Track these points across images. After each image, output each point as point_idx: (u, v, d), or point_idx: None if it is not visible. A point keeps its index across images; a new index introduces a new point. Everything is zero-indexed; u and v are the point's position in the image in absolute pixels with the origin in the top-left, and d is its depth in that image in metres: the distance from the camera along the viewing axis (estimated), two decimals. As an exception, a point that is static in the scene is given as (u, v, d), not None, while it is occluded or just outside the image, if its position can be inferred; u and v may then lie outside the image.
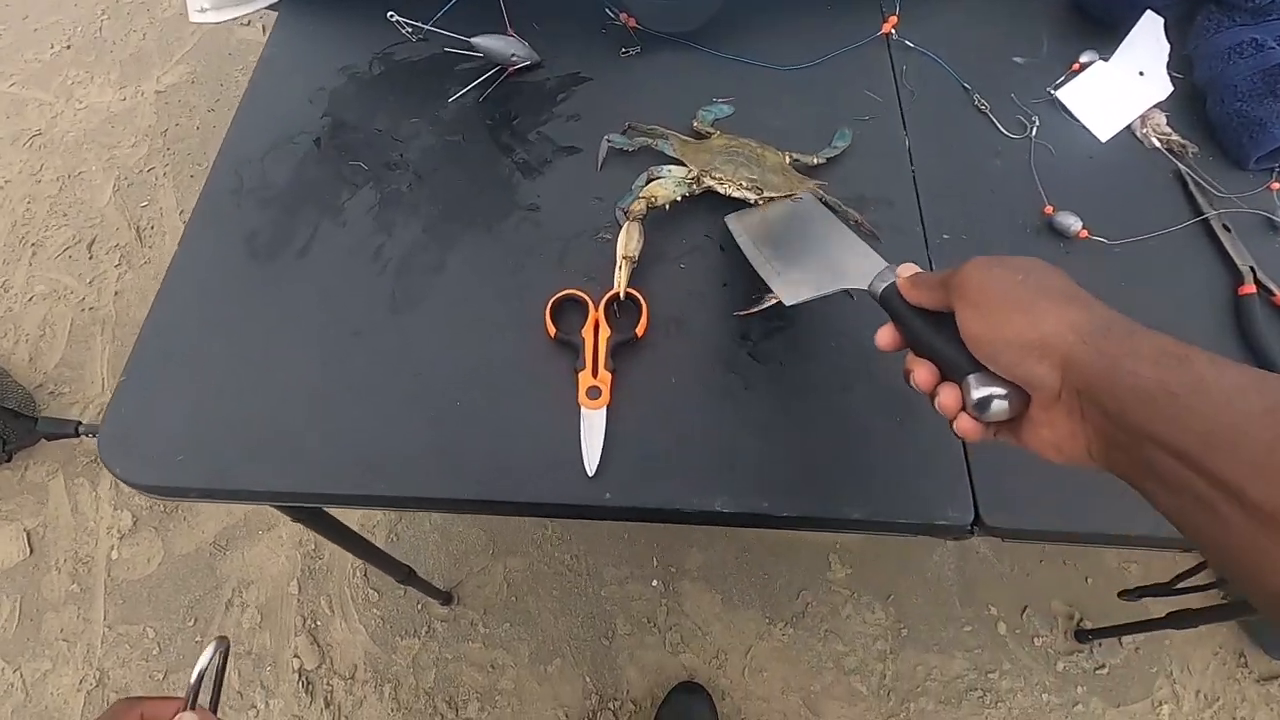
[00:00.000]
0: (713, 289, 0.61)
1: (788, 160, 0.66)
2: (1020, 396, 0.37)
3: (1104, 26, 0.75)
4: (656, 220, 0.63)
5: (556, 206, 0.65)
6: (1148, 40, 0.72)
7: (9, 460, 1.29)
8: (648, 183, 0.63)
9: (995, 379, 0.37)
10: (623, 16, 0.74)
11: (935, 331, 0.41)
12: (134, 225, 1.58)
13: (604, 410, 0.54)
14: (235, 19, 0.80)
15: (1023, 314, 0.35)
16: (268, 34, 0.76)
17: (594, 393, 0.54)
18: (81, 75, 1.79)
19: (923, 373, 0.41)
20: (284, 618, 1.22)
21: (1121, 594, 1.06)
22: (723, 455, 0.54)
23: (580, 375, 0.55)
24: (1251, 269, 0.62)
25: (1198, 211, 0.66)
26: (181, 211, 1.59)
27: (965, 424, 0.38)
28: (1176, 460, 0.29)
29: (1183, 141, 0.69)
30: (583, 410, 0.54)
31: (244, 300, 0.60)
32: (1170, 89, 0.71)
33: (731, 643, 1.22)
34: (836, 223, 0.58)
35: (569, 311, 0.59)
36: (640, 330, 0.58)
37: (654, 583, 1.26)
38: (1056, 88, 0.73)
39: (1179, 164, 0.68)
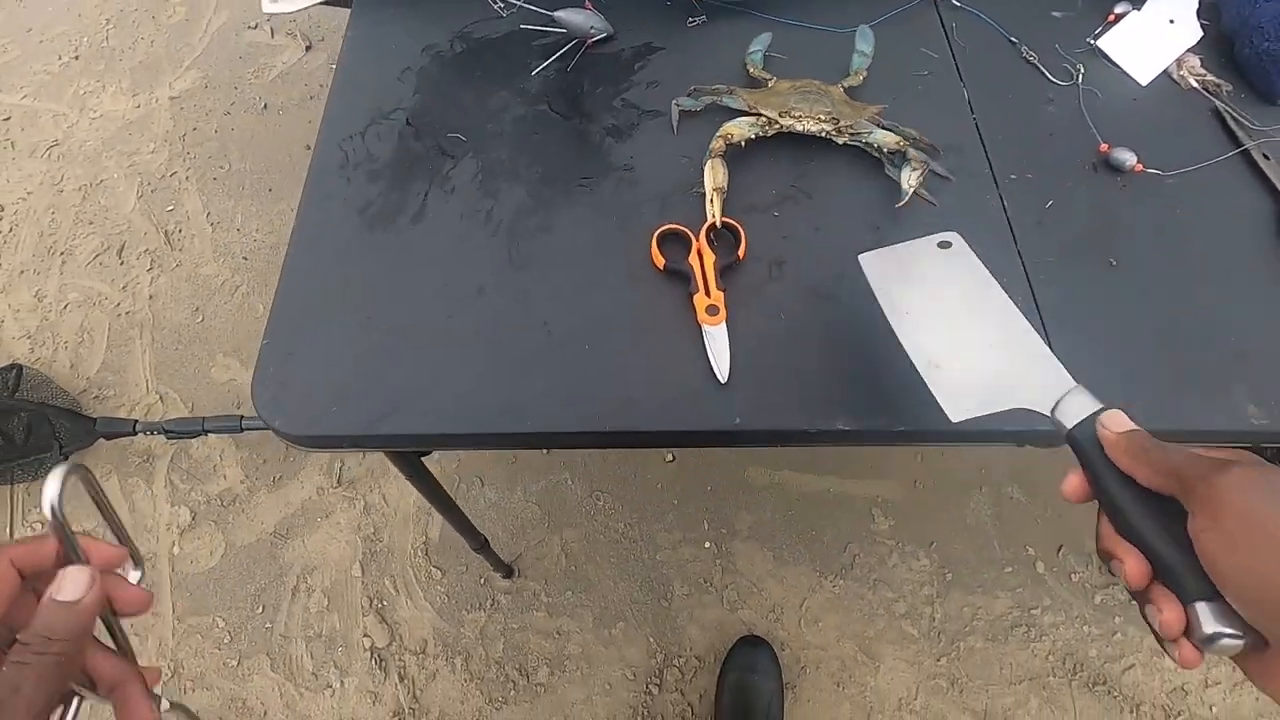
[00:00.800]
0: (806, 233, 0.65)
1: (841, 91, 0.71)
2: (1262, 640, 0.30)
3: (1135, -21, 0.80)
4: (746, 175, 0.68)
5: (649, 166, 0.69)
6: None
7: (64, 461, 1.30)
8: (710, 104, 0.69)
9: (1233, 613, 0.31)
10: (687, -12, 0.78)
11: (1154, 520, 0.33)
12: (162, 229, 1.59)
13: (724, 325, 0.59)
14: (307, 7, 0.83)
15: None
16: (304, 35, 0.79)
17: (712, 310, 0.59)
18: (93, 85, 1.79)
19: (1135, 567, 0.34)
20: (350, 599, 1.24)
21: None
22: (837, 379, 0.58)
23: (695, 298, 0.60)
24: (1292, 191, 0.68)
25: (1238, 144, 0.71)
26: (208, 214, 1.61)
27: (1188, 654, 0.32)
28: None
29: (1217, 81, 0.75)
30: (704, 328, 0.58)
31: (366, 266, 0.63)
32: (1200, 34, 0.77)
33: (786, 597, 1.27)
34: (999, 294, 0.50)
35: (673, 245, 0.63)
36: (741, 253, 0.62)
37: (706, 544, 1.30)
38: (1096, 37, 0.78)
39: (1216, 101, 0.74)
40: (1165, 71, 0.77)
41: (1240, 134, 0.72)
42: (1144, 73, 0.76)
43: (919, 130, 0.69)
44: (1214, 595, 0.31)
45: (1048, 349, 0.45)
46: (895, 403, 0.57)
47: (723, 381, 0.57)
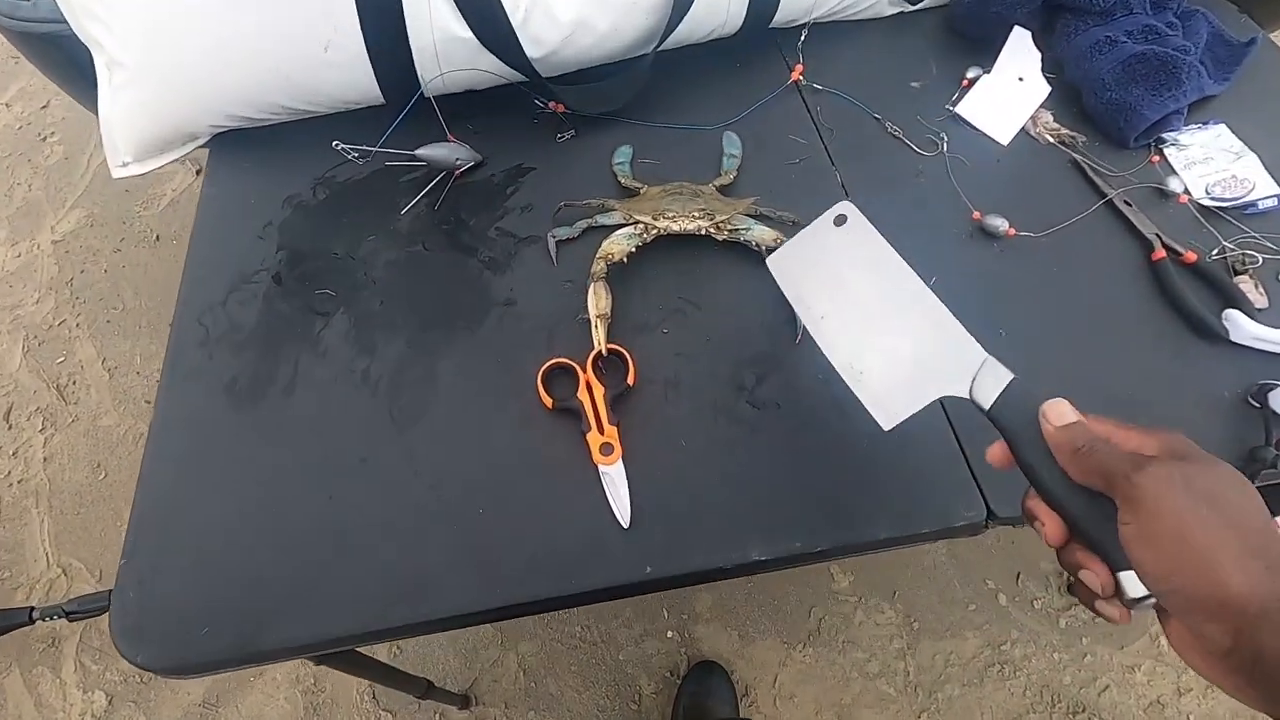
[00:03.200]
0: (700, 348, 0.63)
1: (713, 190, 0.71)
2: None
3: (981, 43, 0.84)
4: (630, 295, 0.66)
5: (532, 297, 0.66)
6: (1020, 51, 0.81)
7: (-45, 666, 1.17)
8: (587, 229, 0.69)
9: None
10: (551, 105, 0.78)
11: (1077, 497, 0.36)
12: (53, 384, 1.49)
13: (620, 464, 0.56)
14: (159, 168, 0.79)
15: (1200, 566, 0.31)
16: (191, 159, 0.75)
17: (607, 449, 0.56)
18: (-34, 238, 1.70)
19: (1055, 528, 0.37)
20: (297, 764, 1.14)
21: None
22: (745, 505, 0.56)
23: (589, 437, 0.57)
24: (1157, 235, 0.70)
25: (1100, 194, 0.73)
26: (104, 359, 1.52)
27: (1112, 610, 0.35)
28: None
29: (1071, 134, 0.78)
30: (600, 469, 0.56)
31: (237, 451, 0.58)
32: (1048, 89, 0.80)
33: (756, 675, 1.22)
34: (900, 266, 0.51)
35: (561, 381, 0.61)
36: (632, 379, 0.60)
37: (669, 634, 1.25)
38: (954, 104, 0.81)
39: (1073, 154, 0.76)
40: (1023, 129, 0.79)
41: (1100, 183, 0.74)
42: (1003, 133, 0.79)
43: (794, 214, 0.69)
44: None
45: (953, 319, 0.46)
46: (810, 519, 0.55)
47: (625, 526, 0.54)
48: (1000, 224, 0.70)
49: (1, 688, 1.19)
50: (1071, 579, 0.38)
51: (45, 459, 1.41)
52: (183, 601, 0.52)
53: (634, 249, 0.66)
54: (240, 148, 0.77)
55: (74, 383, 1.49)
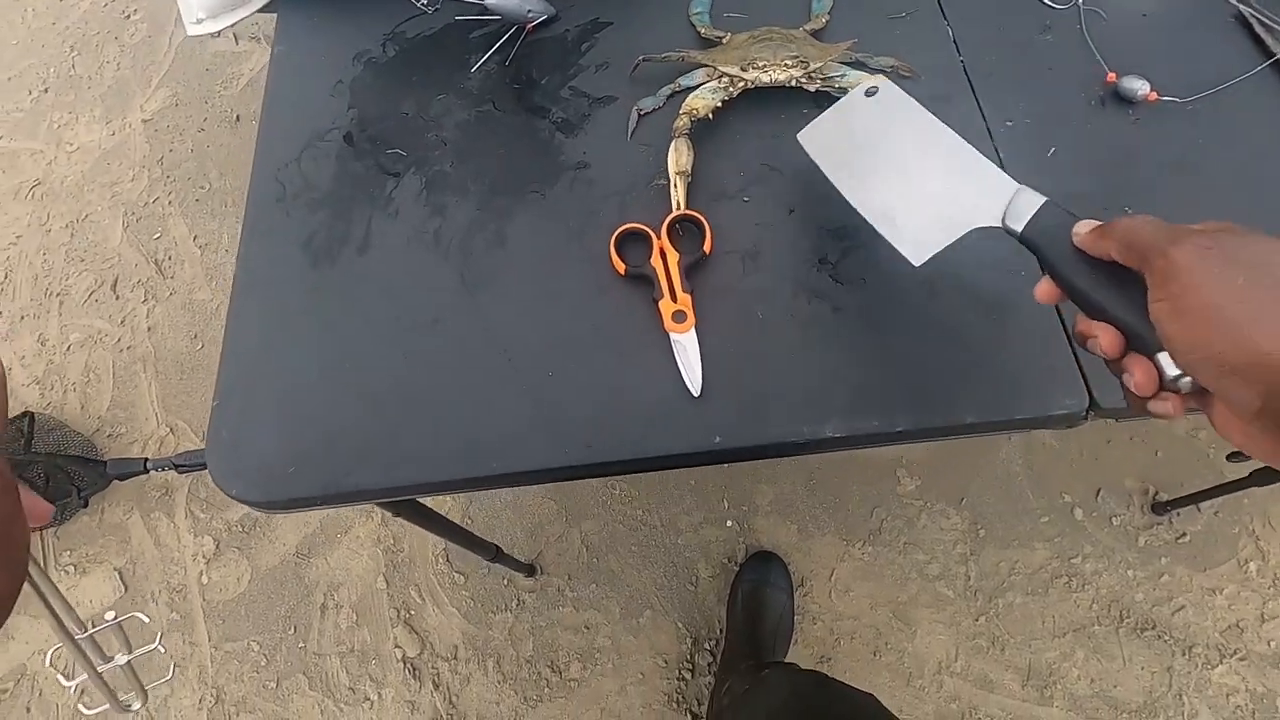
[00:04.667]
0: (781, 218, 0.59)
1: (805, 34, 0.65)
2: None
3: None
4: (710, 159, 0.62)
5: (605, 160, 0.63)
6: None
7: (85, 506, 1.32)
8: (671, 95, 0.64)
9: None
10: (631, -49, 0.71)
11: (1115, 292, 0.35)
12: (152, 259, 1.57)
13: (693, 332, 0.54)
14: (233, 25, 0.78)
15: (1232, 332, 0.30)
16: (272, 37, 0.74)
17: (679, 316, 0.54)
18: (66, 117, 1.76)
19: (1109, 340, 0.36)
20: (378, 612, 1.25)
21: (1230, 456, 1.07)
22: (823, 380, 0.53)
23: (661, 304, 0.55)
24: (1334, 104, 0.59)
25: (1268, 53, 0.63)
26: (195, 237, 1.58)
27: (1165, 405, 0.35)
28: None
29: (1238, -18, 0.66)
30: (672, 337, 0.54)
31: (315, 306, 0.59)
32: (1217, -72, 0.67)
33: (814, 569, 1.24)
34: (933, 122, 0.50)
35: (634, 247, 0.58)
36: (708, 247, 0.57)
37: (729, 523, 1.28)
38: (1095, -50, 0.69)
39: (1239, 5, 0.65)
40: (1178, -22, 0.68)
41: (1270, 41, 0.63)
42: (1153, -18, 0.68)
43: (895, 57, 0.62)
44: None
45: (985, 159, 0.45)
46: (891, 399, 0.52)
47: (695, 395, 0.52)
48: (1140, 86, 0.61)
49: (125, 527, 1.33)
50: (1125, 395, 0.36)
51: (149, 328, 1.50)
52: (270, 443, 0.54)
53: (720, 104, 0.61)
54: (310, 3, 0.74)
55: (170, 258, 1.57)
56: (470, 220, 0.61)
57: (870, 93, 0.53)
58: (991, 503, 1.26)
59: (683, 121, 0.61)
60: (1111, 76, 0.62)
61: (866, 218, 0.50)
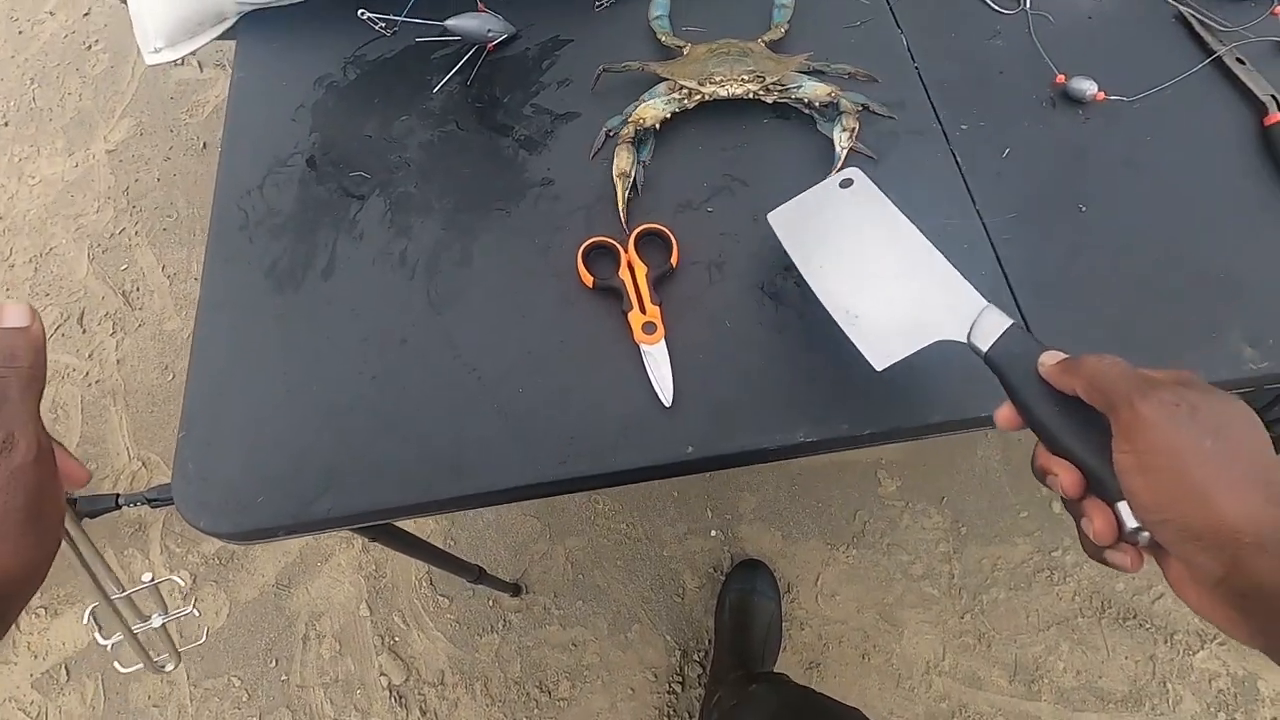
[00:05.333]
0: (745, 226, 0.60)
1: (762, 46, 0.65)
2: None
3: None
4: (674, 171, 0.63)
5: (570, 176, 0.63)
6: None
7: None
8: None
9: None
10: (589, -31, 0.72)
11: (1078, 431, 0.35)
12: (119, 290, 1.54)
13: (663, 343, 0.54)
14: (192, 52, 0.77)
15: (1198, 498, 0.30)
16: (231, 63, 0.73)
17: (649, 328, 0.54)
18: (27, 150, 1.74)
19: (1070, 480, 0.35)
20: (362, 640, 1.23)
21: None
22: (793, 386, 0.54)
23: (630, 316, 0.55)
24: (1273, 97, 0.61)
25: (1208, 51, 0.65)
26: (164, 267, 1.56)
27: (1121, 558, 0.34)
28: None
29: (1178, -16, 0.68)
30: (643, 348, 0.54)
31: (281, 331, 0.59)
32: (1154, -69, 0.70)
33: (799, 574, 1.24)
34: (905, 224, 0.50)
35: (602, 260, 0.58)
36: (675, 259, 0.58)
37: (713, 533, 1.27)
38: (1039, -44, 0.71)
39: (1178, 6, 0.67)
40: (1120, -19, 0.70)
41: (1209, 39, 0.65)
42: (1096, -14, 0.70)
43: (851, 65, 0.64)
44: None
45: (955, 271, 0.46)
46: (860, 402, 0.53)
47: (667, 405, 0.52)
48: (1088, 87, 0.63)
49: (98, 566, 1.30)
50: (1082, 540, 0.36)
51: (118, 361, 1.48)
52: (237, 472, 0.53)
53: (669, 115, 0.62)
54: (269, 28, 0.74)
55: (138, 289, 1.55)
56: (436, 240, 0.61)
57: (846, 184, 0.53)
58: (972, 500, 1.27)
59: (628, 130, 0.62)
60: (1060, 78, 0.64)
61: (830, 312, 0.49)
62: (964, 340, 0.42)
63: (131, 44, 1.86)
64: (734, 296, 0.57)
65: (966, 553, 1.24)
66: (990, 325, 0.40)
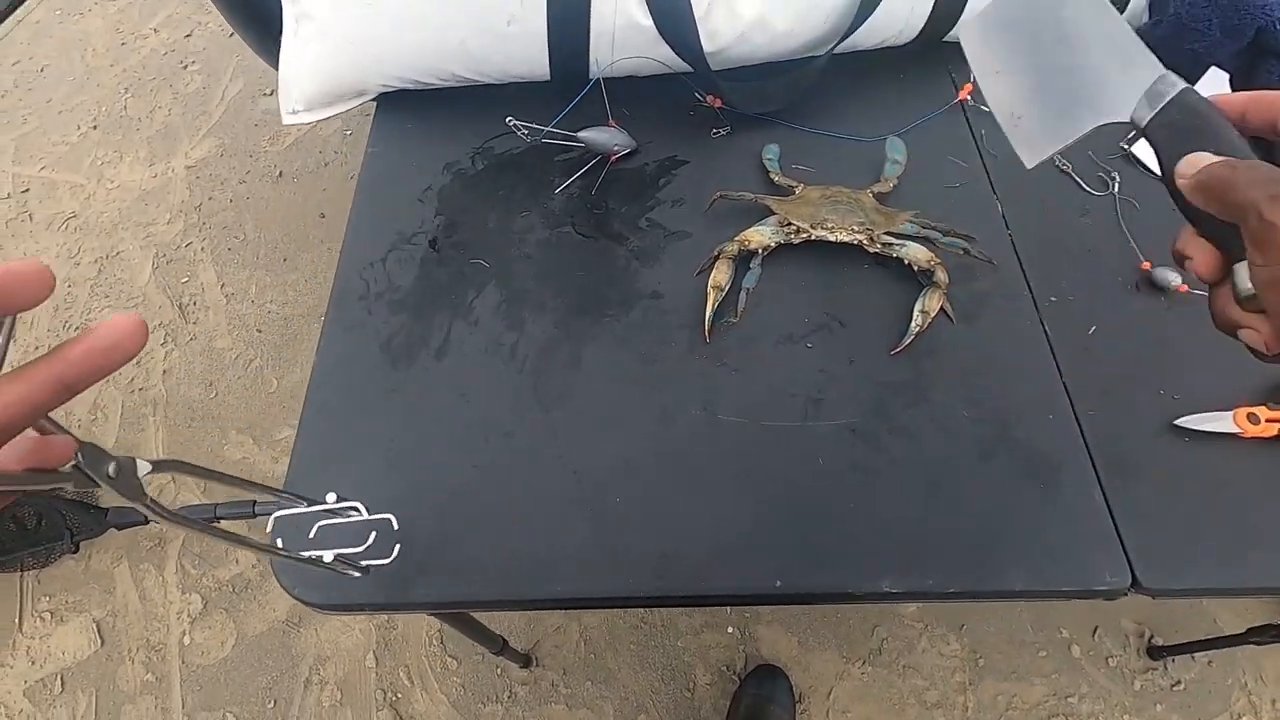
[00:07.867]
0: (842, 366, 0.63)
1: (870, 198, 0.70)
2: None
3: (1167, 82, 0.79)
4: (777, 303, 0.66)
5: (678, 293, 0.67)
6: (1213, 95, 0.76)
7: (75, 551, 1.28)
8: None
9: None
10: (709, 99, 0.77)
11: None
12: (176, 302, 1.58)
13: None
14: (327, 118, 0.83)
15: None
16: (369, 133, 0.78)
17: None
18: (110, 155, 1.81)
19: (1205, 260, 0.33)
20: (364, 692, 1.21)
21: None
22: (878, 532, 0.55)
23: None
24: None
25: (1286, 259, 0.69)
26: (223, 285, 1.60)
27: (1255, 336, 0.32)
28: None
29: (1258, 190, 0.73)
30: None
31: (389, 405, 0.61)
32: (1237, 138, 0.75)
33: (812, 685, 1.23)
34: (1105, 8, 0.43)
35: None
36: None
37: (729, 630, 1.27)
38: (1129, 143, 0.77)
39: (1259, 212, 0.72)
40: (1203, 178, 0.75)
41: (1286, 246, 0.69)
42: (1181, 180, 0.74)
43: (949, 224, 0.67)
44: None
45: (1132, 34, 0.40)
46: (944, 558, 0.54)
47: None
48: (1172, 279, 0.66)
49: (111, 576, 1.30)
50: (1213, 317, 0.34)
51: (164, 371, 1.50)
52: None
53: (774, 244, 0.66)
54: (404, 109, 0.80)
55: (194, 303, 1.59)
56: (548, 337, 0.64)
57: None
58: (991, 632, 1.26)
59: (732, 247, 0.66)
60: (1146, 265, 0.68)
61: (996, 117, 0.45)
62: (1126, 120, 0.38)
63: (226, 69, 1.96)
64: (828, 434, 0.59)
65: (983, 686, 1.22)
66: (1157, 90, 0.36)
